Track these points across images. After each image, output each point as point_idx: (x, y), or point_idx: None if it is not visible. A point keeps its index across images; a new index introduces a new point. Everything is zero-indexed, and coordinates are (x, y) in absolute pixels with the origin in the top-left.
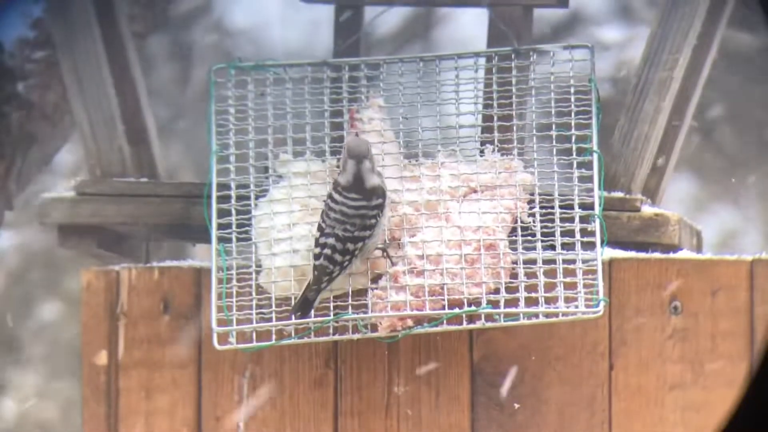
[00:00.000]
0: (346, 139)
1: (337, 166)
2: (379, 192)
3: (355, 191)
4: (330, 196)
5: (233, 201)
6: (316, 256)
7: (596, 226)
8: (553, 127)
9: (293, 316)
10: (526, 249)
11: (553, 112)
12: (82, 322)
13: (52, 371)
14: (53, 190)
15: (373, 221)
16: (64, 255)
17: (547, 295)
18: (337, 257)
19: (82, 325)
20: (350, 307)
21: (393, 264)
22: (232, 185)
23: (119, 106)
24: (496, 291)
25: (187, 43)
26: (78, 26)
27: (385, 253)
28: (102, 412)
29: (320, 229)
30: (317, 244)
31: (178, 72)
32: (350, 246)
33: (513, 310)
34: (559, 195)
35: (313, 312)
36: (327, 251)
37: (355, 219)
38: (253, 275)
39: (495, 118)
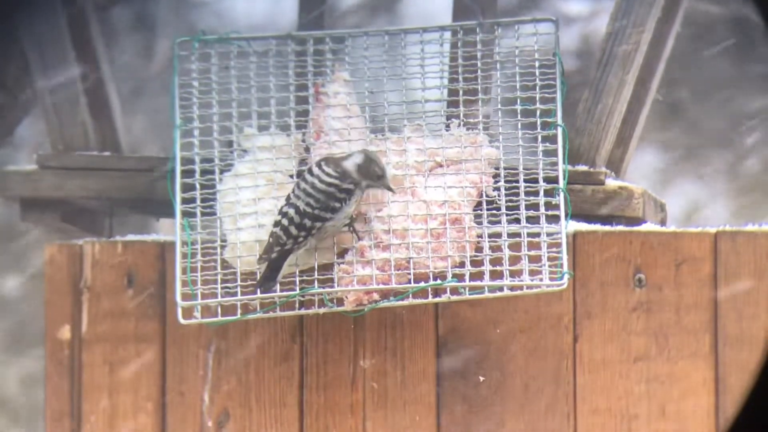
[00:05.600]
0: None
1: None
2: (354, 180)
3: (334, 167)
4: (309, 170)
5: (197, 175)
6: (275, 224)
7: (560, 199)
8: (518, 101)
9: (258, 291)
10: (491, 223)
11: (518, 86)
12: (46, 296)
13: (14, 347)
14: (15, 163)
15: (337, 204)
16: (26, 229)
17: (512, 268)
18: (293, 230)
19: (45, 300)
20: (316, 282)
21: (359, 238)
22: (197, 159)
23: (81, 79)
24: (462, 265)
25: (151, 16)
26: None
27: (351, 228)
28: (65, 387)
29: (287, 198)
30: (279, 212)
31: (142, 45)
32: (308, 222)
33: (478, 283)
34: (523, 169)
35: (278, 286)
36: (285, 221)
37: (320, 195)
38: (218, 250)
39: (460, 93)
